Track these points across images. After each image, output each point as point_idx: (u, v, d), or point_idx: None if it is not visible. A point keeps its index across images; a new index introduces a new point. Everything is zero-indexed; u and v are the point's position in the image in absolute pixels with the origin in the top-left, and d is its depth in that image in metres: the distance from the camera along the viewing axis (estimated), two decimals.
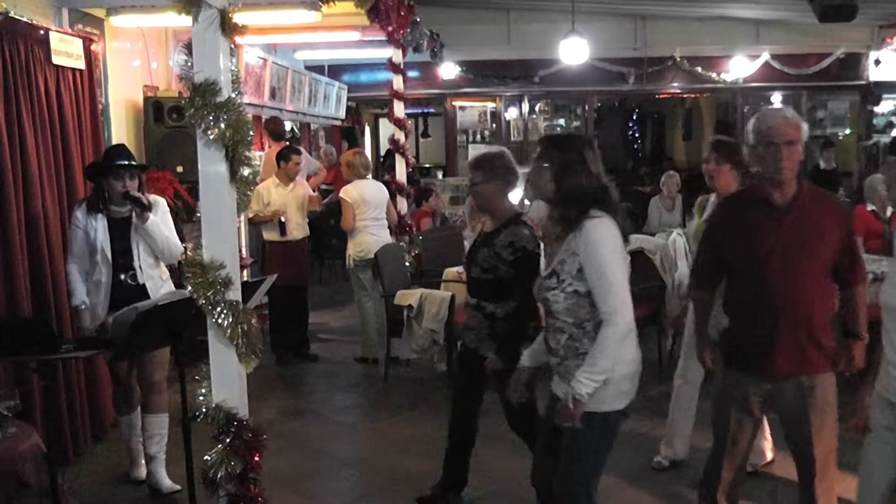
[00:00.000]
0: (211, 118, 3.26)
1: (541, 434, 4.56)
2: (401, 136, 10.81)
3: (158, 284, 6.06)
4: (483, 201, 5.56)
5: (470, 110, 19.11)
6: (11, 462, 4.67)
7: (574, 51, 13.48)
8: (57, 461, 5.17)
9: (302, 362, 9.70)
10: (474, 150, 18.21)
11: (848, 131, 18.75)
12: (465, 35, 16.03)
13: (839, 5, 10.33)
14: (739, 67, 17.52)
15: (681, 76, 17.79)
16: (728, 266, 4.61)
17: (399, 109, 10.80)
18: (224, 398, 3.44)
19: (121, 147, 6.41)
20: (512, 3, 16.05)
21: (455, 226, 12.78)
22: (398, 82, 10.77)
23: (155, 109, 8.67)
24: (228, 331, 3.36)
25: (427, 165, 23.63)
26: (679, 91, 19.11)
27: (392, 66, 10.73)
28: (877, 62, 17.34)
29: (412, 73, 14.45)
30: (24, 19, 6.34)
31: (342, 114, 16.42)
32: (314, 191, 10.86)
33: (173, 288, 6.11)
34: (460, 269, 9.27)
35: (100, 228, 5.92)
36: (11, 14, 6.15)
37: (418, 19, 10.80)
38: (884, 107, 18.25)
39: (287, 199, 9.40)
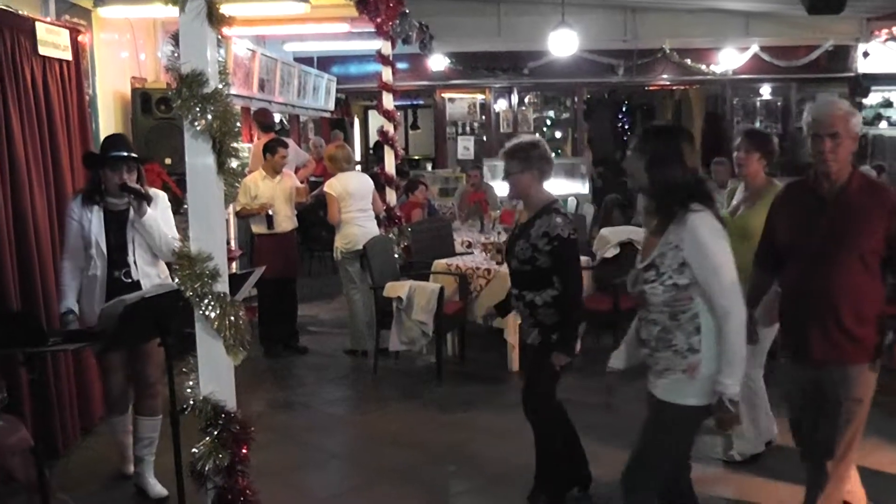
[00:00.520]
0: (198, 109, 3.24)
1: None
2: (390, 127, 10.79)
3: (155, 283, 5.77)
4: (518, 191, 5.57)
5: (459, 102, 19.09)
6: None
7: (564, 43, 13.48)
8: (45, 455, 5.14)
9: (291, 355, 9.69)
10: (463, 142, 18.28)
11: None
12: (455, 26, 16.03)
13: None
14: (729, 59, 17.56)
15: (670, 68, 17.80)
16: (778, 251, 4.68)
17: (388, 101, 10.78)
18: (212, 390, 3.42)
19: (119, 137, 6.26)
20: None
21: (444, 218, 12.78)
22: (387, 74, 10.75)
23: (143, 101, 8.65)
24: (216, 323, 3.34)
25: (416, 157, 23.64)
26: (668, 83, 19.13)
27: (381, 58, 10.70)
28: (865, 54, 17.38)
29: (401, 65, 14.45)
30: (11, 9, 6.30)
31: (331, 106, 16.41)
32: (303, 183, 10.82)
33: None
34: (449, 260, 9.31)
35: (95, 221, 5.75)
36: None
37: (407, 11, 10.79)
38: (872, 99, 18.28)
39: (275, 192, 9.38)
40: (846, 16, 14.45)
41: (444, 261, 9.41)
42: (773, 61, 17.55)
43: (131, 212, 5.79)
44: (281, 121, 15.33)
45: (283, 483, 6.19)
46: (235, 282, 4.33)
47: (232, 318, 3.37)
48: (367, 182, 9.72)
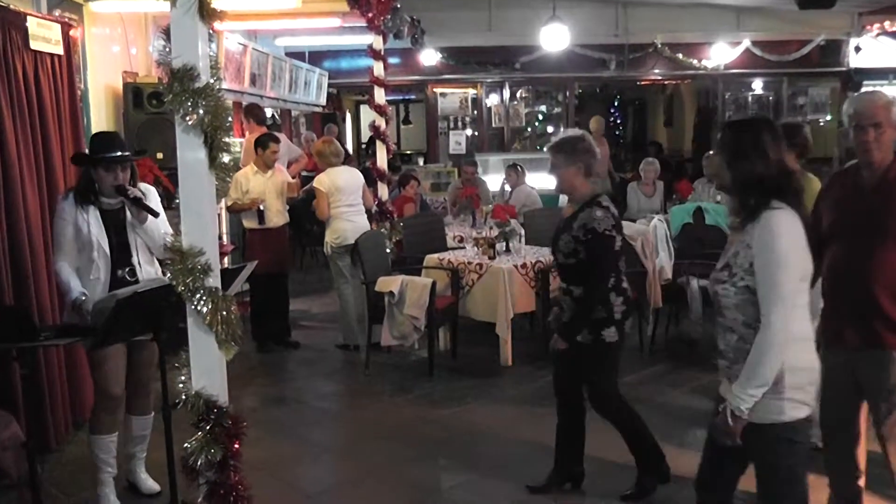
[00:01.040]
0: (189, 104, 3.23)
1: (707, 446, 4.15)
2: (382, 122, 10.78)
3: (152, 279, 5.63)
4: (563, 184, 5.61)
5: (451, 97, 19.11)
6: None
7: (555, 37, 13.51)
8: (37, 450, 5.13)
9: (283, 349, 9.68)
10: (455, 137, 18.28)
11: (829, 118, 18.83)
12: (446, 21, 16.05)
13: None
14: (720, 54, 17.60)
15: (662, 63, 17.84)
16: (823, 240, 4.69)
17: (380, 96, 10.78)
18: (204, 385, 3.42)
19: (112, 135, 6.01)
20: None
21: (436, 212, 12.79)
22: (379, 69, 10.74)
23: (134, 95, 8.62)
24: (208, 318, 3.34)
25: (408, 152, 23.64)
26: (660, 77, 19.17)
27: (373, 53, 10.69)
28: (857, 49, 17.45)
29: (393, 60, 14.46)
30: (2, 4, 6.28)
31: (323, 100, 16.42)
32: (295, 178, 10.82)
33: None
34: (441, 255, 9.31)
35: (93, 222, 5.50)
36: None
37: (399, 5, 10.77)
38: None
39: (266, 186, 9.37)
40: (838, 10, 14.50)
41: (435, 255, 9.41)
42: (764, 56, 17.60)
43: (127, 212, 5.61)
44: (272, 115, 15.32)
45: (276, 477, 6.20)
46: (227, 276, 4.33)
47: (224, 312, 3.36)
48: (357, 177, 9.72)
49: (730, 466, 4.05)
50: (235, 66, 10.99)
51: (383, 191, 10.91)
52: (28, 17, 6.54)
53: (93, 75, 8.38)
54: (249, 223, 9.51)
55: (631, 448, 5.74)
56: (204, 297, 3.33)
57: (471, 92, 18.92)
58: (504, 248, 9.28)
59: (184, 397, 3.44)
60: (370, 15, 10.11)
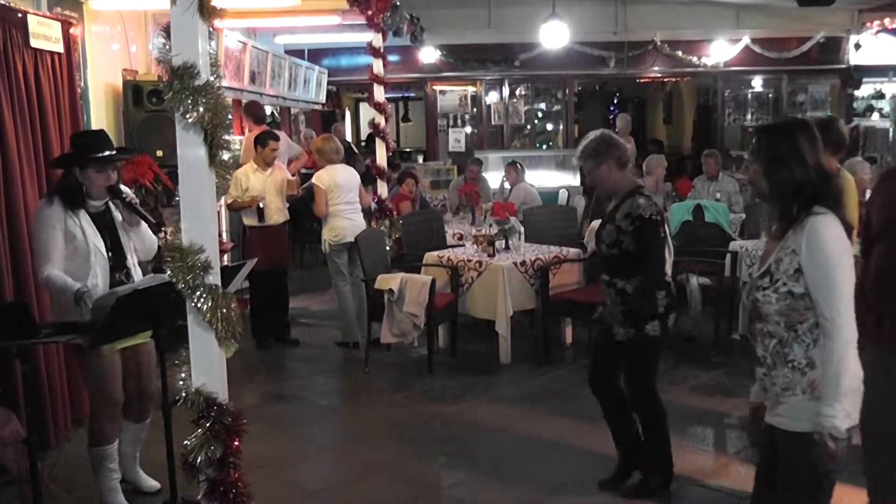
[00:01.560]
0: (189, 102, 3.24)
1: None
2: (381, 120, 10.78)
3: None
4: (604, 185, 5.62)
5: (450, 94, 19.11)
6: None
7: (554, 34, 13.52)
8: (37, 446, 5.13)
9: (282, 347, 9.69)
10: (455, 134, 18.28)
11: (828, 115, 18.80)
12: (446, 19, 16.04)
13: None
14: (720, 51, 17.59)
15: (661, 60, 17.83)
16: (873, 239, 4.72)
17: (379, 94, 10.78)
18: (204, 382, 3.42)
19: (100, 134, 5.75)
20: None
21: (436, 210, 12.79)
22: (378, 66, 10.74)
23: (134, 93, 8.62)
24: (208, 315, 3.34)
25: (408, 149, 23.65)
26: (659, 75, 19.18)
27: (372, 50, 10.69)
28: (857, 46, 17.44)
29: (392, 58, 14.44)
30: (2, 2, 6.29)
31: (322, 98, 16.41)
32: (295, 175, 10.82)
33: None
34: (441, 253, 9.31)
35: (87, 227, 5.30)
36: None
37: (398, 3, 10.78)
38: (864, 90, 18.33)
39: (266, 184, 9.37)
40: (837, 7, 14.50)
41: (435, 253, 9.42)
42: (764, 53, 17.58)
43: (116, 213, 5.50)
44: (272, 113, 15.32)
45: (276, 475, 6.20)
46: (227, 274, 4.33)
47: (224, 310, 3.37)
48: (354, 175, 9.74)
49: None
50: (235, 64, 10.99)
51: (383, 188, 10.92)
52: (28, 16, 6.55)
53: (93, 73, 8.38)
54: (249, 221, 9.51)
55: (647, 446, 5.74)
56: (204, 295, 3.33)
57: (470, 89, 18.92)
58: (503, 246, 9.29)
59: (184, 394, 3.45)
60: (369, 12, 10.11)
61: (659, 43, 17.41)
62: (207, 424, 3.43)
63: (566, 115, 18.89)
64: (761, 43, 17.50)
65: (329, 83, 16.64)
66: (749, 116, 18.99)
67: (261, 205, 9.30)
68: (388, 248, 9.92)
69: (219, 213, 7.30)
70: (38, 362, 6.24)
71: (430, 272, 8.96)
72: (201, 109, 3.27)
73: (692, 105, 21.57)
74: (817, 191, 3.63)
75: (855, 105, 18.35)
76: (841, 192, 3.77)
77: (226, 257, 9.60)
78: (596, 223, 9.89)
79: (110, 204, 5.48)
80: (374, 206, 10.64)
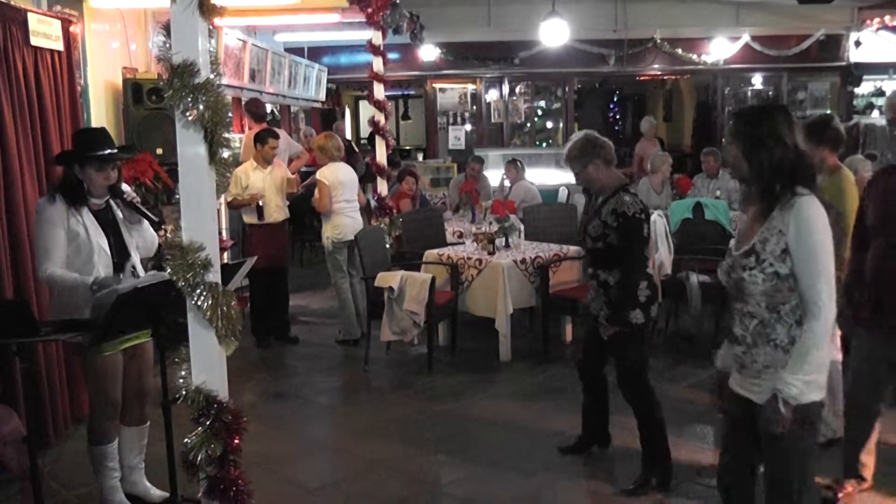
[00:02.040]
0: (189, 100, 3.24)
1: (725, 433, 4.19)
2: (381, 118, 10.78)
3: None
4: (591, 183, 5.87)
5: (450, 92, 19.12)
6: None
7: (554, 32, 13.51)
8: (37, 444, 5.13)
9: (282, 345, 9.69)
10: (454, 132, 18.28)
11: (828, 113, 18.78)
12: (446, 16, 16.05)
13: None
14: (720, 49, 17.61)
15: (661, 58, 17.84)
16: (868, 233, 4.85)
17: (379, 91, 10.78)
18: (204, 380, 3.43)
19: (101, 132, 5.62)
20: None
21: (436, 207, 12.78)
22: (378, 64, 10.75)
23: (134, 91, 8.63)
24: (208, 313, 3.34)
25: (407, 147, 23.64)
26: (659, 73, 19.18)
27: (372, 48, 10.70)
28: (857, 43, 17.44)
29: (392, 55, 14.48)
30: (3, 0, 6.28)
31: (322, 96, 16.43)
32: (295, 174, 10.82)
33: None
34: (441, 250, 9.31)
35: (90, 225, 5.25)
36: None
37: (398, 1, 10.78)
38: (864, 88, 18.36)
39: (265, 182, 9.37)
40: (837, 5, 14.52)
41: (435, 251, 9.42)
42: (764, 51, 17.60)
43: (117, 211, 5.46)
44: (272, 111, 15.32)
45: (276, 473, 6.21)
46: (227, 272, 4.32)
47: (224, 308, 3.37)
48: (354, 174, 9.80)
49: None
50: (235, 62, 11.00)
51: (383, 186, 10.92)
52: (29, 14, 6.55)
53: (93, 71, 8.38)
54: (249, 219, 9.51)
55: (643, 436, 5.84)
56: (204, 293, 3.34)
57: (470, 87, 18.94)
58: (503, 244, 9.29)
59: (184, 392, 3.45)
60: (369, 10, 10.13)
61: (659, 40, 17.42)
62: (207, 422, 3.43)
63: (566, 112, 18.91)
64: (761, 40, 17.51)
65: (329, 81, 16.66)
66: None
67: (260, 203, 9.30)
68: (388, 245, 9.92)
69: (219, 210, 7.30)
70: (37, 360, 6.25)
71: (430, 270, 8.96)
72: (201, 107, 3.27)
73: (692, 103, 21.55)
74: (796, 169, 3.73)
75: (855, 102, 18.38)
76: (815, 174, 3.86)
77: (226, 255, 9.61)
78: None
79: (111, 201, 5.45)
80: (374, 203, 10.63)
